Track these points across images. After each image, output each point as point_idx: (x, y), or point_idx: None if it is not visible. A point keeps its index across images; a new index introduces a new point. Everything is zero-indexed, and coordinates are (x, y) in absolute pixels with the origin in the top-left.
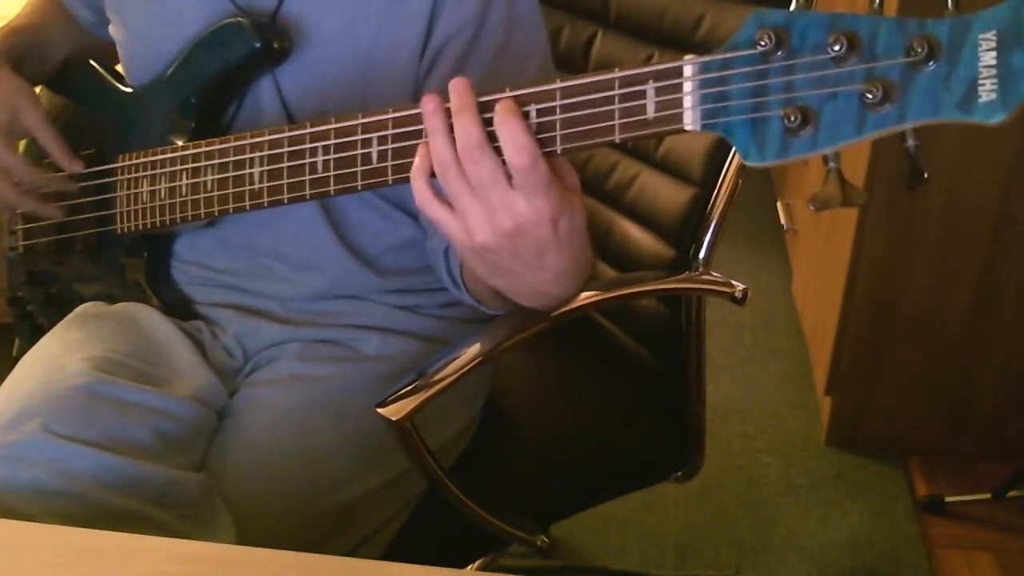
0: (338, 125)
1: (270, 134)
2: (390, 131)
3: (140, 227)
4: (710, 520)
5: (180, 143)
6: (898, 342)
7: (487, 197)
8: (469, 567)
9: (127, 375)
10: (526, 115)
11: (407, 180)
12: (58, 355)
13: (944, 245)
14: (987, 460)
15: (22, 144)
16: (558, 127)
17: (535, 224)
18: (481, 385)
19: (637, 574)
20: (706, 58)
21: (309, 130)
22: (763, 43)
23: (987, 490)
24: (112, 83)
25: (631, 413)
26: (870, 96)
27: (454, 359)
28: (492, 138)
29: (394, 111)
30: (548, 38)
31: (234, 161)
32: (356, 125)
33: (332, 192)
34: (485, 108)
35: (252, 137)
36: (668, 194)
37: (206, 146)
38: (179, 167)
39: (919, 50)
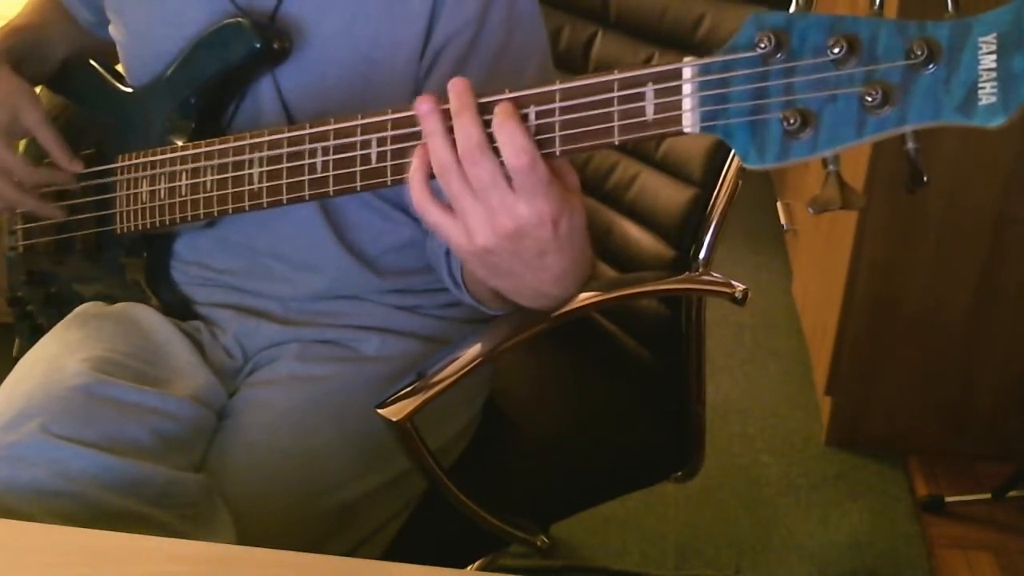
0: (337, 126)
1: (269, 134)
2: (389, 132)
3: (139, 227)
4: (710, 520)
5: (180, 143)
6: (898, 342)
7: (488, 199)
8: (469, 567)
9: (126, 375)
10: (525, 117)
11: (406, 181)
12: (57, 355)
13: (944, 245)
14: (987, 460)
15: (22, 144)
16: (557, 128)
17: (536, 225)
18: (481, 385)
19: (637, 574)
20: (705, 60)
21: (308, 131)
22: (762, 45)
23: (987, 490)
24: (112, 83)
25: (631, 413)
26: (870, 99)
27: (454, 359)
28: (492, 139)
29: (393, 112)
30: (548, 38)
31: (233, 162)
32: (355, 126)
33: (331, 193)
34: (484, 110)
35: (251, 137)
36: (668, 194)
37: (205, 146)
38: (178, 167)
39: (919, 53)
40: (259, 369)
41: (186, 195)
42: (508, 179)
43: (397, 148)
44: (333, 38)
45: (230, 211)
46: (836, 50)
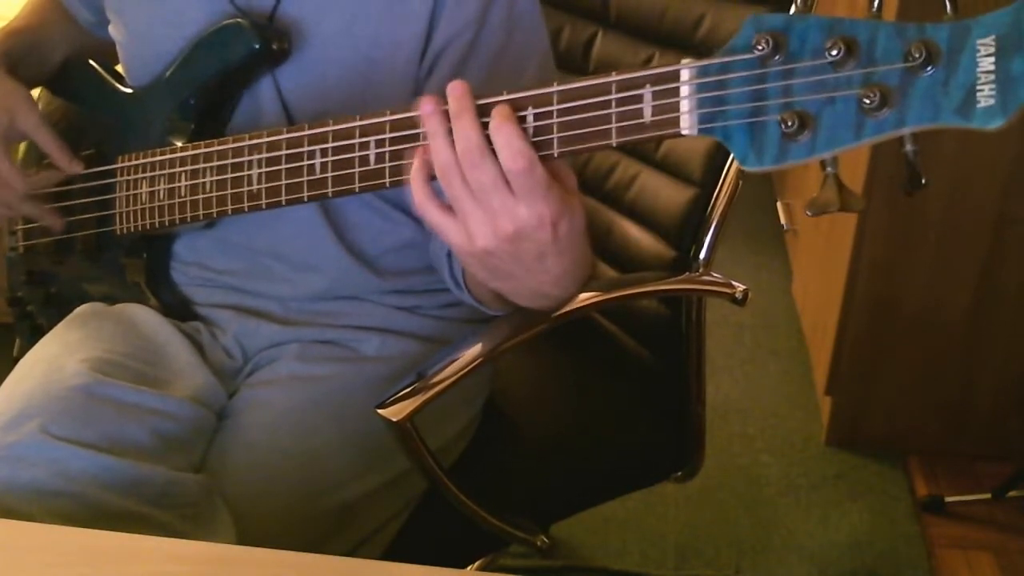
0: (336, 127)
1: (268, 135)
2: (388, 134)
3: (139, 228)
4: (710, 520)
5: (179, 144)
6: (898, 342)
7: (488, 201)
8: (469, 567)
9: (126, 376)
10: (523, 118)
11: (405, 182)
12: (57, 356)
13: (944, 245)
14: (987, 460)
15: (23, 146)
16: (555, 130)
17: (535, 228)
18: (481, 385)
19: (637, 574)
20: (704, 62)
21: (307, 132)
22: (761, 47)
23: (987, 490)
24: (112, 83)
25: (631, 413)
26: (868, 101)
27: (454, 360)
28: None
29: (392, 113)
30: (548, 38)
31: (232, 163)
32: (354, 127)
33: (330, 194)
34: (484, 111)
35: (250, 138)
36: (668, 194)
37: (205, 147)
38: (178, 168)
39: (917, 55)
40: (259, 369)
41: (185, 196)
42: (508, 182)
43: (396, 149)
44: (333, 38)
45: (229, 212)
46: (834, 52)
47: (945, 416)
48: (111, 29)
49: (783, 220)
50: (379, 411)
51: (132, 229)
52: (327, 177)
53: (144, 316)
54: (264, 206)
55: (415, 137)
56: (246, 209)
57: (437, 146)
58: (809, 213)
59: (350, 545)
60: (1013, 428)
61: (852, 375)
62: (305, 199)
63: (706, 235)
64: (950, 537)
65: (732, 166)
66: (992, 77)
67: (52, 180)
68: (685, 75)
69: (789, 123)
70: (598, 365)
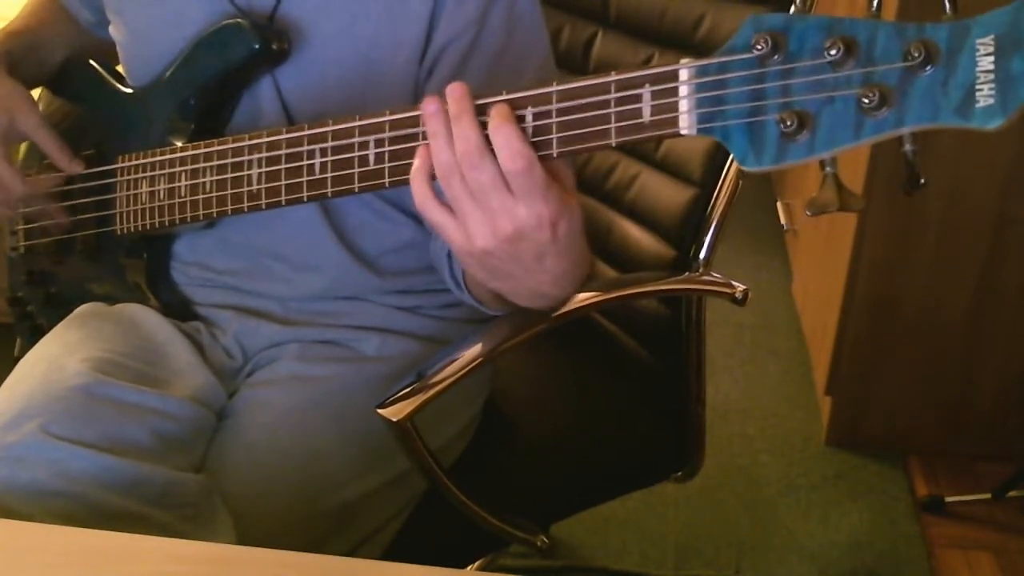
0: (336, 127)
1: (268, 135)
2: (387, 133)
3: (139, 228)
4: (710, 520)
5: (179, 144)
6: (898, 342)
7: (487, 202)
8: (469, 567)
9: (126, 376)
10: (523, 118)
11: (404, 183)
12: (57, 356)
13: (944, 245)
14: (987, 460)
15: (23, 146)
16: (554, 130)
17: (535, 228)
18: (481, 385)
19: (637, 574)
20: (702, 62)
21: (307, 132)
22: (759, 47)
23: (987, 490)
24: (112, 83)
25: (631, 413)
26: (867, 101)
27: (454, 360)
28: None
29: (391, 113)
30: (549, 38)
31: (232, 163)
32: (353, 127)
33: (329, 194)
34: (483, 112)
35: (250, 138)
36: (668, 194)
37: (205, 147)
38: (178, 168)
39: (917, 55)
40: (259, 369)
41: (185, 196)
42: (507, 183)
43: (395, 150)
44: (333, 39)
45: (229, 212)
46: (833, 52)
47: (945, 416)
48: (111, 29)
49: (783, 220)
50: (379, 411)
51: (132, 229)
52: (327, 177)
53: (144, 316)
54: (264, 206)
55: (414, 137)
56: (246, 209)
57: (437, 146)
58: (808, 213)
59: (350, 545)
60: (1013, 428)
61: (852, 375)
62: (305, 199)
63: (706, 235)
64: (950, 537)
65: (732, 166)
66: (991, 77)
67: (51, 183)
68: (684, 75)
69: (788, 123)
70: (598, 365)
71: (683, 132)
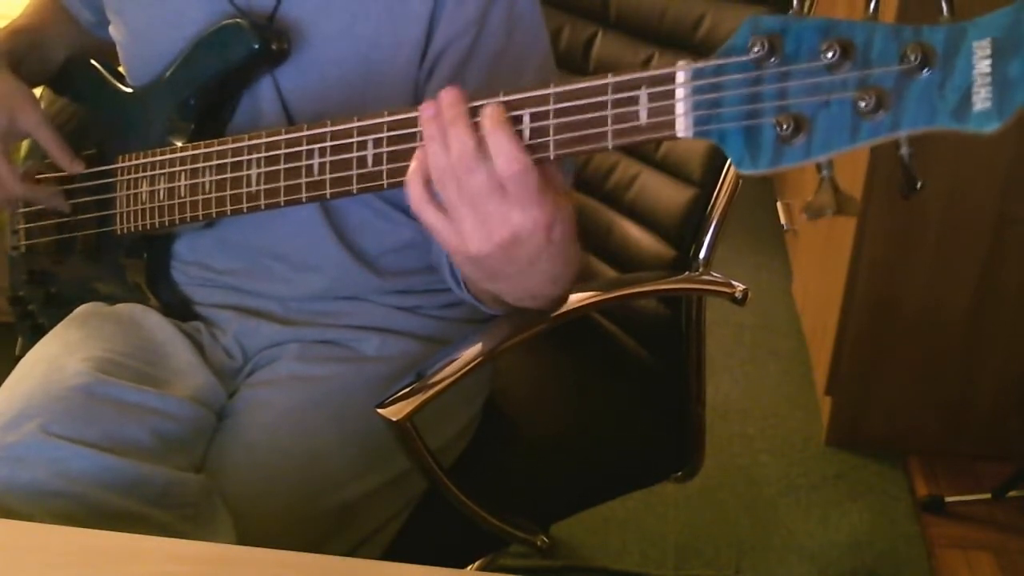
0: (334, 128)
1: (267, 136)
2: (385, 134)
3: (139, 228)
4: (710, 520)
5: (179, 144)
6: (898, 342)
7: (483, 206)
8: (469, 567)
9: (126, 375)
10: (520, 120)
11: (402, 184)
12: (58, 355)
13: (944, 245)
14: (987, 460)
15: (25, 144)
16: (552, 132)
17: (530, 233)
18: (481, 385)
19: (637, 574)
20: (699, 64)
21: (306, 132)
22: (756, 49)
23: (987, 490)
24: (113, 83)
25: (631, 413)
26: (863, 104)
27: (454, 360)
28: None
29: (389, 114)
30: (549, 38)
31: (232, 163)
32: (352, 128)
33: (328, 195)
34: (479, 114)
35: (249, 139)
36: (668, 194)
37: (204, 147)
38: (177, 168)
39: (913, 57)
40: (259, 369)
41: (185, 196)
42: (503, 187)
43: (393, 151)
44: (333, 39)
45: (228, 212)
46: (830, 55)
47: (945, 416)
48: (111, 29)
49: (783, 220)
50: (379, 411)
51: (132, 229)
52: (325, 178)
53: (144, 316)
54: (263, 207)
55: (412, 138)
56: (245, 210)
57: (433, 150)
58: (806, 217)
59: (350, 545)
60: (1013, 428)
61: (852, 375)
62: (304, 200)
63: (706, 235)
64: (950, 537)
65: (732, 166)
66: (988, 80)
67: (50, 192)
68: (681, 77)
69: (784, 126)
70: (598, 365)
71: (680, 135)
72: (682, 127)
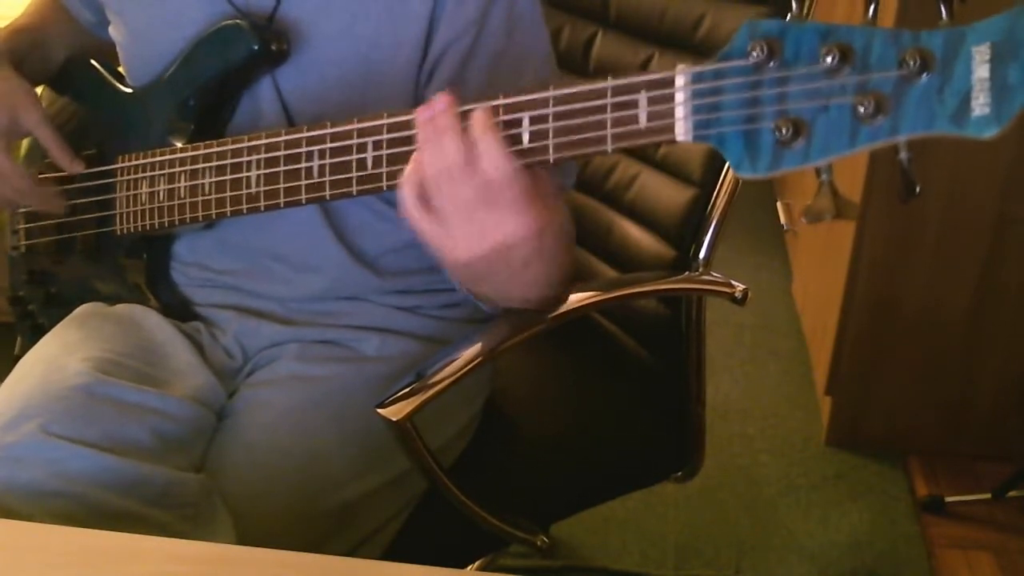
0: (334, 130)
1: (267, 137)
2: (385, 136)
3: (139, 228)
4: (710, 520)
5: (179, 144)
6: (898, 342)
7: (474, 212)
8: (469, 567)
9: (126, 376)
10: (519, 122)
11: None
12: (57, 355)
13: (944, 245)
14: (987, 460)
15: (25, 143)
16: (551, 135)
17: (520, 239)
18: (481, 385)
19: (637, 574)
20: (698, 68)
21: (305, 134)
22: (755, 54)
23: (987, 490)
24: (113, 83)
25: (631, 413)
26: (862, 108)
27: (454, 360)
28: None
29: (389, 116)
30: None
31: (231, 164)
32: (352, 130)
33: (328, 197)
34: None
35: (249, 140)
36: (668, 194)
37: (204, 148)
38: (177, 169)
39: (912, 62)
40: (259, 369)
41: (184, 197)
42: (493, 194)
43: (393, 153)
44: (333, 39)
45: (228, 213)
46: (829, 59)
47: (945, 416)
48: (111, 30)
49: (783, 220)
50: (379, 411)
51: (132, 229)
52: (325, 180)
53: (144, 316)
54: (263, 208)
55: (412, 140)
56: (244, 211)
57: (428, 155)
58: (804, 221)
59: (350, 545)
60: (1013, 428)
61: (852, 375)
62: (303, 201)
63: (706, 235)
64: (950, 537)
65: None
66: (987, 85)
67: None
68: (680, 81)
69: (783, 130)
70: (598, 365)
71: (679, 138)
72: (681, 131)
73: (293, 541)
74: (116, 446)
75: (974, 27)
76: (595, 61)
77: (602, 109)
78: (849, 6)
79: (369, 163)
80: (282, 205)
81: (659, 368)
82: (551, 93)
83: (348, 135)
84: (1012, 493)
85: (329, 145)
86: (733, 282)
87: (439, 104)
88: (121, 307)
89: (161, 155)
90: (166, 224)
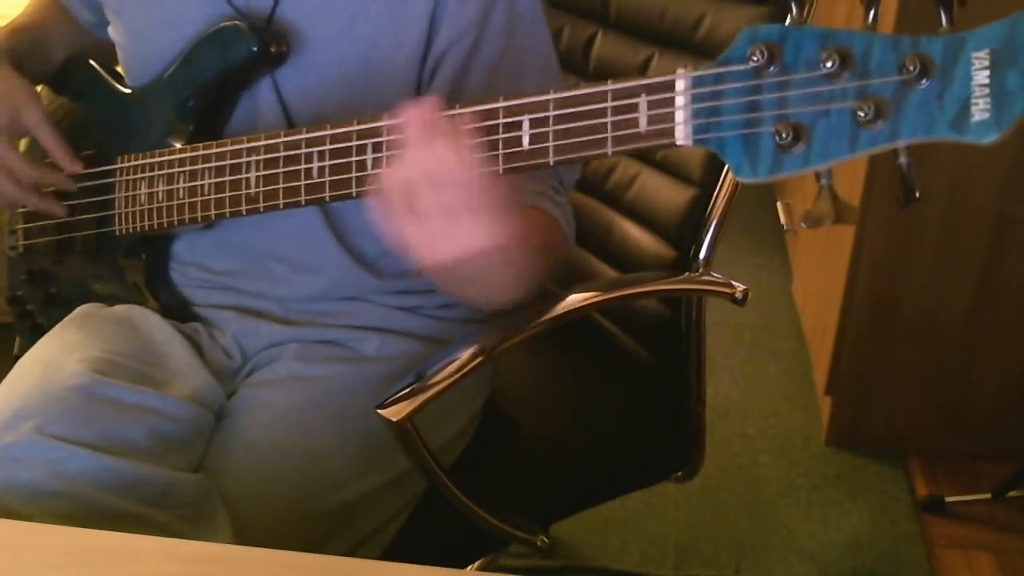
0: (333, 131)
1: (266, 139)
2: (384, 138)
3: (138, 229)
4: (710, 520)
5: (178, 145)
6: (898, 342)
7: (448, 218)
8: (469, 567)
9: (124, 376)
10: (519, 125)
11: None
12: (56, 356)
13: (944, 245)
14: (987, 460)
15: (23, 142)
16: (551, 138)
17: (490, 249)
18: (481, 385)
19: (637, 574)
20: (699, 72)
21: (305, 135)
22: (755, 58)
23: (987, 490)
24: (112, 84)
25: (631, 413)
26: (862, 113)
27: (454, 360)
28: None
29: (388, 118)
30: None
31: (231, 165)
32: (351, 132)
33: (327, 198)
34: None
35: (248, 141)
36: (668, 194)
37: (203, 149)
38: (176, 170)
39: (912, 68)
40: (258, 369)
41: (184, 198)
42: (475, 198)
43: (392, 155)
44: (332, 40)
45: (227, 214)
46: (829, 64)
47: (945, 416)
48: (110, 30)
49: (783, 220)
50: (379, 411)
51: (131, 230)
52: (324, 181)
53: (143, 317)
54: (262, 209)
55: None
56: (244, 212)
57: (414, 156)
58: (804, 225)
59: (350, 545)
60: (1013, 428)
61: (852, 375)
62: (303, 203)
63: (706, 235)
64: (950, 537)
65: None
66: (987, 91)
67: (53, 178)
68: (680, 85)
69: (783, 135)
70: (598, 365)
71: (679, 142)
72: (681, 135)
73: (293, 541)
74: (114, 446)
75: (974, 33)
76: (595, 61)
77: (602, 112)
78: (849, 10)
79: (369, 165)
80: (281, 206)
81: (659, 368)
82: (551, 96)
83: (348, 136)
84: (1012, 493)
85: (329, 147)
86: (733, 282)
87: (415, 113)
88: (120, 308)
89: (160, 156)
90: (165, 225)
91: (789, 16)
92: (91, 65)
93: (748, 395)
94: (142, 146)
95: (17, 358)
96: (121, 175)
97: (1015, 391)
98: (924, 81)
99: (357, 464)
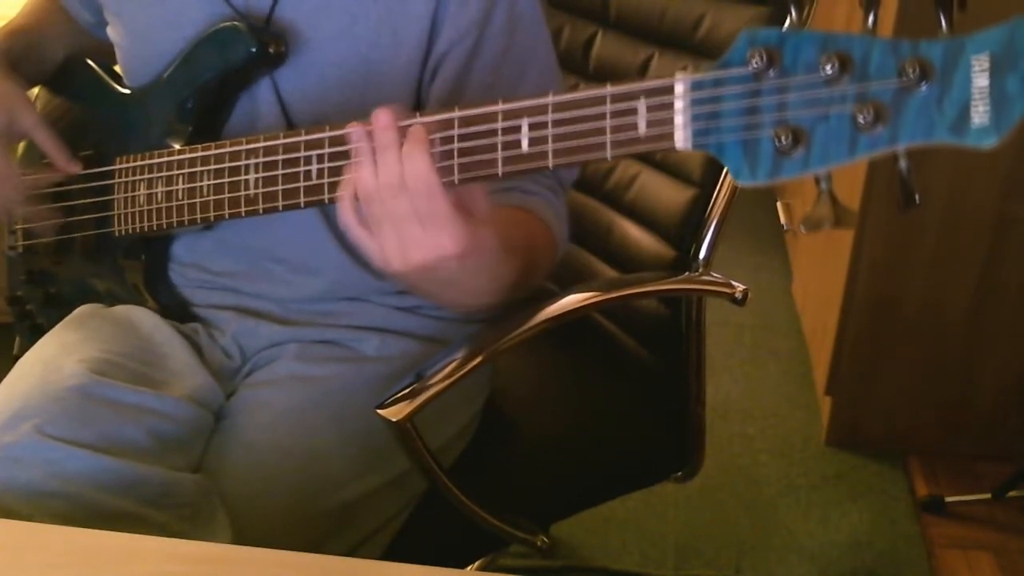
0: (332, 133)
1: (265, 140)
2: (344, 147)
3: (137, 230)
4: (710, 520)
5: (177, 146)
6: (898, 342)
7: (401, 230)
8: (469, 567)
9: (123, 376)
10: (518, 129)
11: None
12: (55, 356)
13: (944, 245)
14: (987, 460)
15: (21, 146)
16: (550, 141)
17: (443, 259)
18: (481, 385)
19: (637, 574)
20: (698, 76)
21: (304, 138)
22: (755, 62)
23: (987, 490)
24: (110, 84)
25: (631, 413)
26: (862, 118)
27: (454, 360)
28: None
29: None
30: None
31: (229, 167)
32: (351, 133)
33: (326, 200)
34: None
35: (248, 143)
36: (668, 194)
37: (202, 151)
38: (175, 171)
39: (911, 72)
40: (258, 369)
41: (183, 199)
42: (423, 211)
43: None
44: (332, 40)
45: (227, 216)
46: (828, 68)
47: (945, 416)
48: (109, 30)
49: (783, 220)
50: (379, 411)
51: (130, 231)
52: (323, 183)
53: (142, 317)
54: (261, 211)
55: None
56: (243, 213)
57: (363, 171)
58: (803, 229)
59: (350, 545)
60: (1013, 428)
61: (852, 375)
62: (302, 204)
63: (706, 235)
64: (950, 537)
65: None
66: (986, 95)
67: (50, 180)
68: (679, 89)
69: (783, 138)
70: (598, 365)
71: (678, 146)
72: (681, 139)
73: (293, 541)
74: (112, 447)
75: (973, 37)
76: (595, 61)
77: (601, 116)
78: (848, 12)
79: None
80: (280, 208)
81: (659, 368)
82: (550, 100)
83: (347, 139)
84: (1012, 493)
85: (328, 150)
86: (733, 282)
87: (383, 120)
88: (119, 308)
89: (159, 157)
90: (164, 226)
91: (788, 19)
92: (90, 65)
93: (748, 395)
94: (141, 147)
95: (17, 358)
96: (120, 176)
97: (1015, 391)
98: (924, 85)
99: (357, 464)
